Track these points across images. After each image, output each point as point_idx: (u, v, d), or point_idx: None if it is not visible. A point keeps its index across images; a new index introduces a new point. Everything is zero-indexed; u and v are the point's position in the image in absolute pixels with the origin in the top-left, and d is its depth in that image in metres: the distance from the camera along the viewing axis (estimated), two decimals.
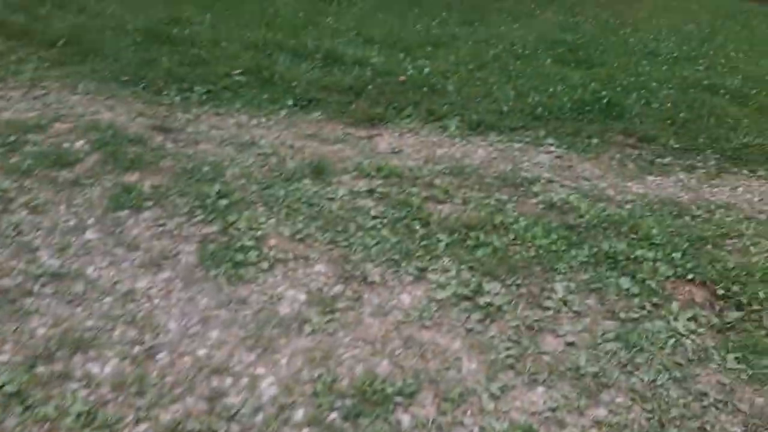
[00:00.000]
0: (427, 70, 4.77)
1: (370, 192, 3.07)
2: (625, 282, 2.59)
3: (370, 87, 4.41)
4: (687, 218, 3.27)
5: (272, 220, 2.76)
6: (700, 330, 2.39)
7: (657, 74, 5.22)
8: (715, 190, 3.76)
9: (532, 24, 6.52)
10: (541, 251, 2.73)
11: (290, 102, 4.09)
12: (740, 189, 3.82)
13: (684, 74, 5.28)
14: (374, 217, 2.84)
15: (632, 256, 2.77)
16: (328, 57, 4.76)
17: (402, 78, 4.62)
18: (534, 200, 3.23)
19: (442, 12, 6.53)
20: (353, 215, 2.84)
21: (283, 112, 3.98)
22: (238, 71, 4.39)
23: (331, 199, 2.97)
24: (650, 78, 5.11)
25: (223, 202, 2.86)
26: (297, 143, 3.60)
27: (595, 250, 2.77)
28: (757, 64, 5.83)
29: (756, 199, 3.68)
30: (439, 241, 2.70)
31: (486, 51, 5.42)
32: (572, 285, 2.54)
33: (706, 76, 5.29)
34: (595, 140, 4.10)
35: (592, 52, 5.60)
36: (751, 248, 3.03)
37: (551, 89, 4.64)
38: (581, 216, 3.08)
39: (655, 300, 2.52)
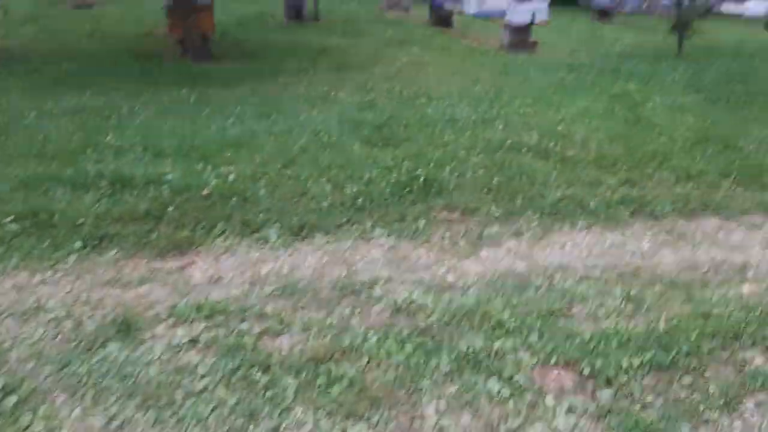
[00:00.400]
0: (232, 176, 4.52)
1: (193, 342, 2.72)
2: (494, 384, 2.48)
3: (170, 208, 4.05)
4: (530, 291, 3.29)
5: (77, 411, 2.30)
6: (581, 423, 2.31)
7: (463, 141, 5.42)
8: (546, 252, 3.86)
9: (330, 107, 6.55)
10: (400, 370, 2.54)
11: (78, 244, 3.60)
12: (568, 246, 3.97)
13: (486, 137, 5.54)
14: (203, 376, 2.49)
15: (493, 351, 2.68)
16: (116, 182, 4.33)
17: (206, 191, 4.32)
18: (378, 307, 3.06)
19: (234, 108, 6.34)
20: (177, 379, 2.47)
21: (71, 259, 3.48)
22: (8, 218, 3.82)
23: (148, 363, 2.57)
24: (457, 146, 5.29)
25: (11, 399, 2.35)
26: (94, 295, 3.14)
27: (455, 353, 2.65)
28: (545, 117, 6.29)
29: (585, 254, 3.83)
30: (285, 388, 2.41)
31: (291, 144, 5.29)
32: (442, 404, 2.37)
33: (507, 136, 5.59)
34: (422, 222, 4.08)
35: (396, 129, 5.72)
36: (599, 312, 3.09)
37: (367, 175, 4.60)
38: (430, 315, 2.97)
39: (528, 398, 2.42)
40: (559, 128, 5.92)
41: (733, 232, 4.29)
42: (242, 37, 11.16)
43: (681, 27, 10.45)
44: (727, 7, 16.42)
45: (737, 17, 16.23)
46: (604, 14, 16.50)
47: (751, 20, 16.30)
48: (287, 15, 13.39)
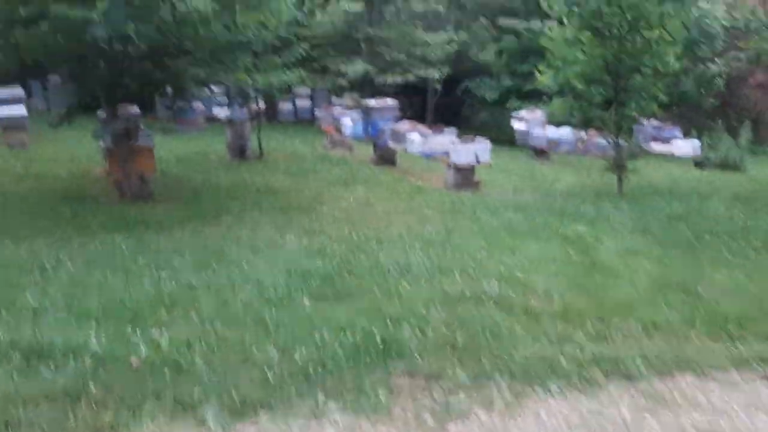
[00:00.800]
0: (165, 342, 4.03)
1: None
2: None
3: (92, 384, 3.51)
4: None
5: None
6: None
7: (420, 293, 5.11)
8: (521, 424, 3.47)
9: (276, 254, 6.21)
10: None
11: None
12: (543, 414, 3.60)
13: (444, 288, 5.26)
14: None
15: None
16: (31, 353, 3.79)
17: (135, 361, 3.81)
18: None
19: (171, 257, 5.92)
20: None
21: None
22: None
23: None
24: (415, 299, 4.97)
25: None
26: None
27: None
28: (501, 262, 6.08)
29: (563, 425, 3.46)
30: None
31: (233, 300, 4.87)
32: None
33: (466, 286, 5.32)
34: (381, 392, 3.66)
35: (348, 280, 5.38)
36: None
37: (318, 337, 4.18)
38: None
39: None
40: (518, 275, 5.69)
41: (713, 392, 4.00)
42: (184, 176, 10.91)
43: (618, 167, 10.76)
44: (655, 147, 17.27)
45: (666, 155, 17.04)
46: (541, 153, 17.09)
47: (679, 159, 17.19)
48: (231, 153, 13.29)
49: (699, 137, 18.11)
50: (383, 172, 12.24)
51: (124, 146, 8.66)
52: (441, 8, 19.54)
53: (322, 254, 6.18)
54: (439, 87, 20.70)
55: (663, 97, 10.60)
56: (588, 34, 10.28)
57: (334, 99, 19.72)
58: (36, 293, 4.85)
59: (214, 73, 8.58)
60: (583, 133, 15.93)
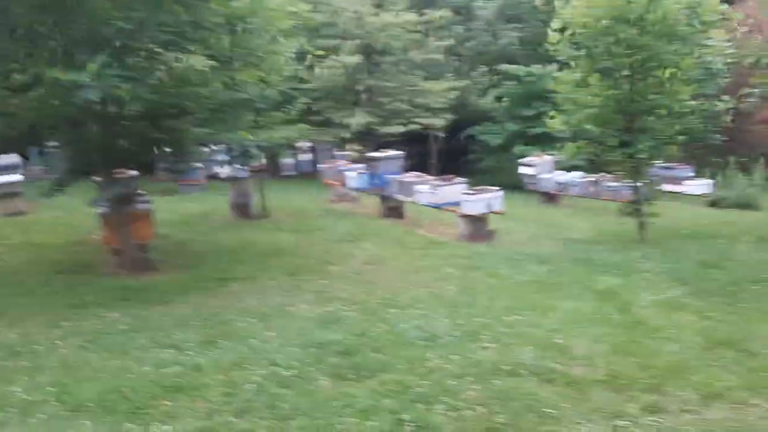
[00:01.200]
0: None
1: None
2: None
3: None
4: None
5: None
6: None
7: (450, 366, 4.62)
8: None
9: (288, 325, 5.74)
10: None
11: None
12: None
13: (476, 358, 4.77)
14: None
15: None
16: None
17: None
18: None
19: (174, 334, 5.45)
20: None
21: None
22: None
23: None
24: (445, 374, 4.48)
25: None
26: None
27: None
28: (533, 324, 5.61)
29: None
30: None
31: (243, 382, 4.38)
32: None
33: (499, 355, 4.83)
34: None
35: (369, 354, 4.90)
36: None
37: (340, 426, 3.68)
38: None
39: None
40: (555, 339, 5.20)
41: None
42: (186, 239, 10.49)
43: (638, 212, 10.33)
44: (666, 187, 16.89)
45: (678, 195, 16.62)
46: (550, 198, 16.72)
47: (691, 198, 16.80)
48: (234, 212, 12.91)
49: (711, 176, 17.75)
50: (392, 226, 11.82)
51: (121, 212, 8.25)
52: (440, 57, 19.42)
53: (337, 323, 5.70)
54: (442, 135, 20.50)
55: (680, 138, 10.24)
56: (597, 75, 9.99)
57: (336, 152, 19.50)
58: (26, 384, 4.37)
59: (215, 132, 8.24)
60: (593, 177, 15.58)
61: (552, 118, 10.53)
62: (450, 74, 20.54)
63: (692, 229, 11.80)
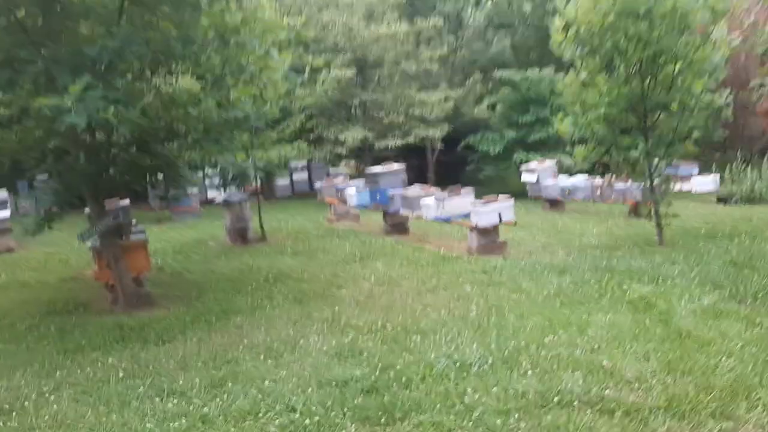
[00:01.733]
0: None
1: None
2: None
3: None
4: None
5: None
6: None
7: (490, 400, 4.11)
8: None
9: (301, 361, 5.23)
10: None
11: None
12: None
13: (518, 388, 4.26)
14: None
15: None
16: None
17: None
18: None
19: (177, 380, 4.93)
20: None
21: None
22: None
23: None
24: (486, 410, 3.97)
25: None
26: None
27: None
28: (571, 344, 5.11)
29: None
30: None
31: None
32: None
33: (542, 383, 4.33)
34: None
35: (397, 390, 4.39)
36: None
37: None
38: None
39: None
40: (599, 359, 4.70)
41: None
42: (183, 269, 9.96)
43: (657, 214, 9.85)
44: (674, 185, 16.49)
45: (686, 193, 16.20)
46: (555, 204, 16.28)
47: (700, 195, 16.37)
48: (231, 237, 12.40)
49: (718, 172, 17.36)
50: (398, 243, 11.33)
51: (113, 245, 7.74)
52: (433, 66, 19.02)
53: (357, 356, 5.19)
54: (440, 146, 20.06)
55: (696, 135, 9.82)
56: (603, 75, 9.57)
57: (331, 169, 19.06)
58: None
59: (209, 154, 7.75)
60: (599, 179, 15.14)
61: (560, 121, 10.08)
62: (444, 84, 20.13)
63: (709, 227, 11.36)
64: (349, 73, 16.74)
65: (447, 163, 22.45)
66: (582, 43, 9.53)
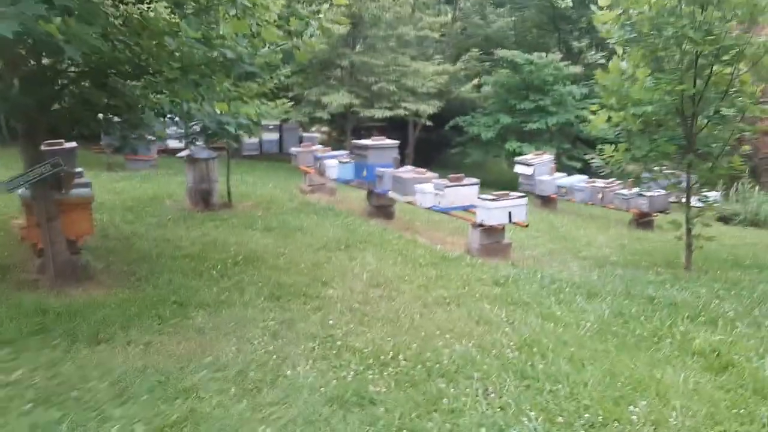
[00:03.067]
0: None
1: None
2: None
3: None
4: None
5: None
6: None
7: None
8: None
9: (286, 403, 3.79)
10: None
11: None
12: None
13: None
14: None
15: None
16: None
17: None
18: None
19: (110, 416, 3.46)
20: None
21: None
22: None
23: None
24: None
25: None
26: None
27: None
28: (663, 425, 3.80)
29: None
30: None
31: None
32: None
33: None
34: None
35: None
36: None
37: None
38: None
39: None
40: None
41: None
42: (133, 234, 8.35)
43: (689, 233, 8.62)
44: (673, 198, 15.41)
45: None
46: (547, 201, 15.08)
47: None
48: (192, 200, 10.78)
49: (722, 188, 16.36)
50: (385, 230, 9.89)
51: (48, 200, 6.10)
52: (434, 34, 17.45)
53: (365, 408, 3.78)
54: (426, 122, 18.59)
55: (745, 147, 8.63)
56: (649, 68, 8.24)
57: (304, 134, 17.42)
58: None
59: (183, 100, 6.15)
60: (600, 182, 13.95)
61: (595, 114, 8.73)
62: (440, 56, 18.63)
63: (729, 252, 10.26)
64: (342, 29, 15.06)
65: (428, 141, 21.06)
66: (632, 27, 8.17)
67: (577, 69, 17.60)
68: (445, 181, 9.61)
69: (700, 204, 8.76)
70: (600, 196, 13.75)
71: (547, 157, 15.35)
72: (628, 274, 8.07)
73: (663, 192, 13.20)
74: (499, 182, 18.66)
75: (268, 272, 6.84)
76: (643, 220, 13.25)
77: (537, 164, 15.04)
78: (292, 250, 7.97)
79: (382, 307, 5.87)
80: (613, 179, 14.05)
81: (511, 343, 4.97)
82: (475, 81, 19.10)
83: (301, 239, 8.64)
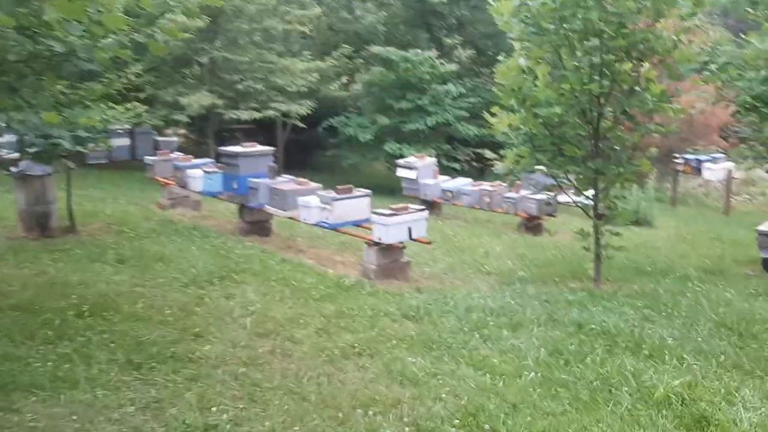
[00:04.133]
0: None
1: None
2: None
3: None
4: None
5: None
6: None
7: None
8: None
9: None
10: None
11: None
12: None
13: None
14: None
15: None
16: None
17: None
18: None
19: None
20: None
21: None
22: None
23: None
24: None
25: None
26: None
27: None
28: None
29: None
30: None
31: None
32: None
33: None
34: None
35: None
36: None
37: None
38: None
39: None
40: None
41: None
42: None
43: (598, 243, 8.07)
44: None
45: (566, 206, 15.02)
46: (432, 206, 14.38)
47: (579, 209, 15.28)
48: (25, 225, 8.92)
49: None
50: (266, 252, 8.66)
51: None
52: (303, 27, 16.23)
53: None
54: (297, 123, 17.35)
55: (653, 150, 8.22)
56: (543, 65, 7.60)
57: (160, 139, 15.66)
58: None
59: None
60: (487, 185, 13.42)
61: (493, 116, 7.97)
62: (310, 53, 17.47)
63: (626, 257, 9.94)
64: (202, 22, 13.47)
65: (299, 144, 19.84)
66: (533, 19, 7.47)
67: (452, 66, 17.07)
68: (332, 193, 8.51)
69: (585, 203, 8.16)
70: (487, 199, 13.20)
71: (431, 160, 14.66)
72: (542, 292, 7.37)
73: (551, 194, 12.94)
74: (379, 186, 17.78)
75: (123, 326, 5.42)
76: (531, 224, 12.85)
77: (421, 167, 14.30)
78: (152, 289, 6.55)
79: (276, 368, 4.68)
80: (499, 182, 13.63)
81: (452, 415, 3.96)
82: (344, 79, 18.06)
83: (163, 272, 7.21)
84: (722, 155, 17.57)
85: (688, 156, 17.70)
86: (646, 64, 7.44)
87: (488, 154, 17.70)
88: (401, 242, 7.92)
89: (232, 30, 15.17)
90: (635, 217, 14.65)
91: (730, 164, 17.08)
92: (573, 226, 13.85)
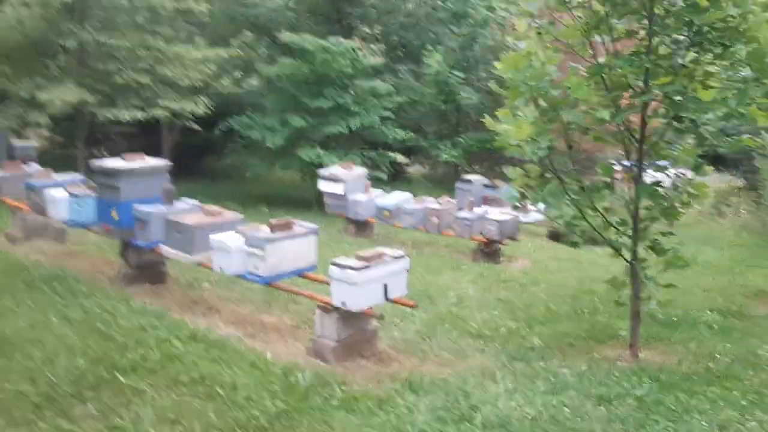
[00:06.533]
0: None
1: None
2: None
3: None
4: None
5: None
6: None
7: None
8: None
9: None
10: None
11: None
12: None
13: None
14: None
15: None
16: None
17: None
18: None
19: None
20: None
21: None
22: None
23: None
24: None
25: None
26: None
27: None
28: None
29: None
30: None
31: None
32: None
33: None
34: None
35: None
36: None
37: None
38: None
39: None
40: None
41: None
42: None
43: (636, 296, 6.00)
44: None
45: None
46: (362, 227, 12.04)
47: (528, 226, 13.40)
48: None
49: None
50: (165, 322, 5.98)
51: None
52: (200, 7, 13.36)
53: None
54: (190, 124, 14.45)
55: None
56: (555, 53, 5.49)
57: (17, 143, 12.34)
58: None
59: None
60: (434, 202, 11.18)
61: (497, 122, 5.69)
62: (200, 39, 14.63)
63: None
64: None
65: (190, 148, 16.88)
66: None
67: (378, 59, 14.76)
68: (262, 230, 5.95)
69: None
70: (435, 220, 10.97)
71: (360, 171, 12.24)
72: (584, 377, 5.18)
73: (513, 215, 10.94)
74: (290, 199, 15.24)
75: None
76: (488, 249, 10.77)
77: (348, 180, 11.88)
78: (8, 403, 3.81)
79: None
80: (448, 198, 11.46)
81: None
82: (237, 73, 15.33)
83: (2, 373, 4.43)
84: None
85: None
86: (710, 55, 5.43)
87: (399, 158, 15.51)
88: (374, 306, 5.51)
89: (107, 6, 12.15)
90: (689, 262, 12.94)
91: None
92: (527, 248, 12.08)
